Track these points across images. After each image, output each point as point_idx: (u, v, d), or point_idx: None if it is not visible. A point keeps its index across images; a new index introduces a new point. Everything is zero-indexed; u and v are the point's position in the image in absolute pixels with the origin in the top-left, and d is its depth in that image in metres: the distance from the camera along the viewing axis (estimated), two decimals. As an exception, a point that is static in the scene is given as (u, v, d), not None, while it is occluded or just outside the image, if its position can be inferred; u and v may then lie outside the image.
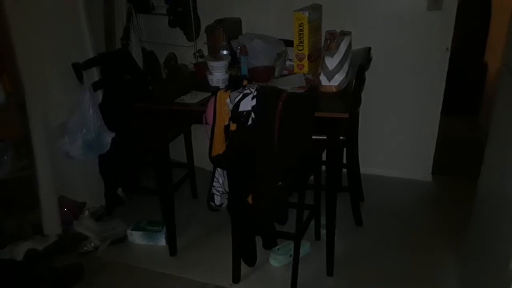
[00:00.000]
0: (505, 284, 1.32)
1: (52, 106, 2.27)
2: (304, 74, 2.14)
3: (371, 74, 2.17)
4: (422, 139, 2.76)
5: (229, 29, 2.40)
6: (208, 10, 2.65)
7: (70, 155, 2.29)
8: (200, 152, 2.39)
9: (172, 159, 2.25)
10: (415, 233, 2.36)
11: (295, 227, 1.89)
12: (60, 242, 2.27)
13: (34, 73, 2.17)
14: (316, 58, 2.24)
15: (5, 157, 2.25)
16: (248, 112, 1.68)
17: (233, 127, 1.74)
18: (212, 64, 2.02)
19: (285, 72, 2.25)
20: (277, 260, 2.14)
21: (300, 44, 2.10)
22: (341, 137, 1.86)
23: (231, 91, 1.76)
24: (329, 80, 1.92)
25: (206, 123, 1.82)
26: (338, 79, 1.91)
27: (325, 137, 1.80)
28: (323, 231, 2.21)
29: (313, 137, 1.77)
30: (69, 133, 2.25)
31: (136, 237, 2.36)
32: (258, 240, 2.18)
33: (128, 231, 2.37)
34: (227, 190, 1.93)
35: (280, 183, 1.68)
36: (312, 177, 2.05)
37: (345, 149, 2.33)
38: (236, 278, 2.05)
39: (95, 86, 2.33)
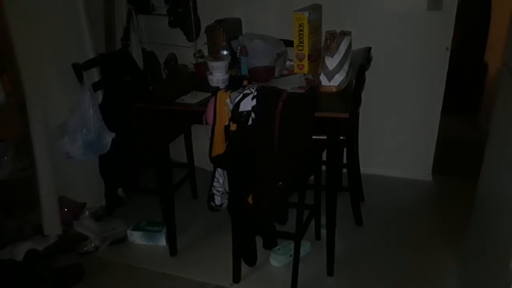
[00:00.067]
0: (505, 284, 1.32)
1: (52, 106, 2.27)
2: (304, 74, 2.14)
3: (371, 74, 2.17)
4: (422, 139, 2.76)
5: (229, 29, 2.40)
6: (208, 10, 2.65)
7: (70, 155, 2.29)
8: (200, 152, 2.39)
9: (172, 159, 2.25)
10: (415, 233, 2.36)
11: (295, 227, 1.89)
12: (60, 243, 2.27)
13: (34, 73, 2.17)
14: (316, 58, 2.24)
15: (5, 157, 2.25)
16: (248, 112, 1.68)
17: (233, 127, 1.74)
18: (212, 64, 2.02)
19: (285, 72, 2.25)
20: (277, 260, 2.14)
21: (300, 44, 2.10)
22: (341, 137, 1.85)
23: (231, 91, 1.76)
24: (329, 80, 1.92)
25: (206, 123, 1.82)
26: (338, 79, 1.91)
27: (325, 137, 1.80)
28: (323, 231, 2.21)
29: (313, 137, 1.77)
30: (69, 133, 2.25)
31: (136, 237, 2.36)
32: (258, 240, 2.18)
33: (128, 231, 2.37)
34: (227, 190, 1.93)
35: (280, 183, 1.68)
36: (312, 177, 2.05)
37: (345, 149, 2.33)
38: (236, 278, 2.05)
39: (95, 87, 2.32)
